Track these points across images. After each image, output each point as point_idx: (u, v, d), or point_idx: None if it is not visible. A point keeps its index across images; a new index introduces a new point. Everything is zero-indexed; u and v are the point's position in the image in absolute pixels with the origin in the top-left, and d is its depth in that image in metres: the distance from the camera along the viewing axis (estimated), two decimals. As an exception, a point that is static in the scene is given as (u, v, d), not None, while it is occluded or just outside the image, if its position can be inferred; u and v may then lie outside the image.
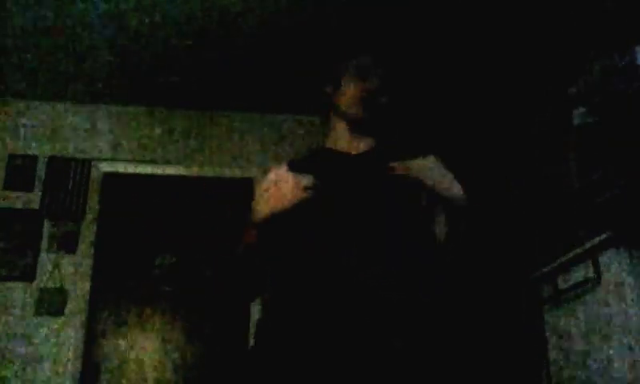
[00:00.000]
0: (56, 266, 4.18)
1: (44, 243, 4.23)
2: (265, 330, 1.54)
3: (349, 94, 1.70)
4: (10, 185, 4.34)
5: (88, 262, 4.25)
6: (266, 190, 1.50)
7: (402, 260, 1.51)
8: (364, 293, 1.43)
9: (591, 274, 2.25)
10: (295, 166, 1.58)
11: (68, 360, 4.00)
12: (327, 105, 1.79)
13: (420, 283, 1.52)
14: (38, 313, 4.06)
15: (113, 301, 4.27)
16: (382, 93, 1.69)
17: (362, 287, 1.43)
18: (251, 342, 1.56)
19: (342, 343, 1.38)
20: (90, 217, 4.34)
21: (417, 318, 1.47)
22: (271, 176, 1.53)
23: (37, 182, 4.36)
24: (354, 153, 1.72)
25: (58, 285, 4.14)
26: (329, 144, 1.77)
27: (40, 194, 4.33)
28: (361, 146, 1.73)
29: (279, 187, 1.47)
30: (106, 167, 4.50)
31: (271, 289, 1.59)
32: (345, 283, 1.44)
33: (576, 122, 3.01)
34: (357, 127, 1.72)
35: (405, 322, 1.45)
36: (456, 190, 1.55)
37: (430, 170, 1.55)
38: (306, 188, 1.45)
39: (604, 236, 2.17)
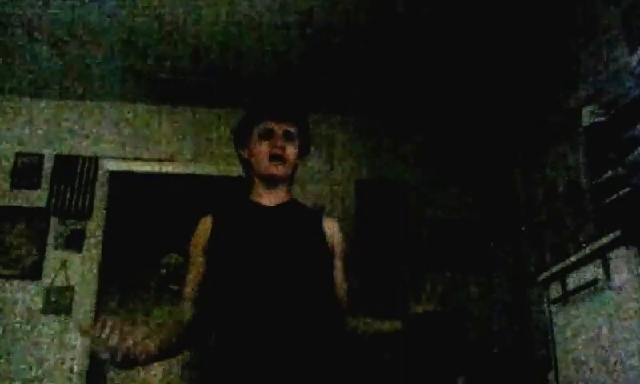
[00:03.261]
0: (63, 264, 4.18)
1: (51, 241, 4.24)
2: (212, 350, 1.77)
3: (257, 154, 1.95)
4: (16, 183, 4.35)
5: (95, 261, 4.25)
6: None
7: (309, 296, 1.77)
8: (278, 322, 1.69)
9: (601, 273, 2.23)
10: (219, 217, 1.94)
11: (74, 358, 4.00)
12: (245, 165, 2.05)
13: (323, 315, 1.80)
14: (44, 311, 4.07)
15: (119, 299, 4.27)
16: (285, 149, 1.94)
17: (277, 317, 1.69)
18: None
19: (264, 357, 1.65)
20: (96, 215, 4.34)
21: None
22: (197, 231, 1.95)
23: (43, 180, 4.37)
24: (270, 205, 1.95)
25: (64, 283, 4.15)
26: (251, 197, 2.00)
27: (47, 192, 4.33)
28: (276, 199, 1.97)
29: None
30: (113, 165, 4.50)
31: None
32: (262, 316, 1.68)
33: (585, 121, 2.99)
34: (269, 182, 1.96)
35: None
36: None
37: None
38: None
39: (614, 235, 2.14)
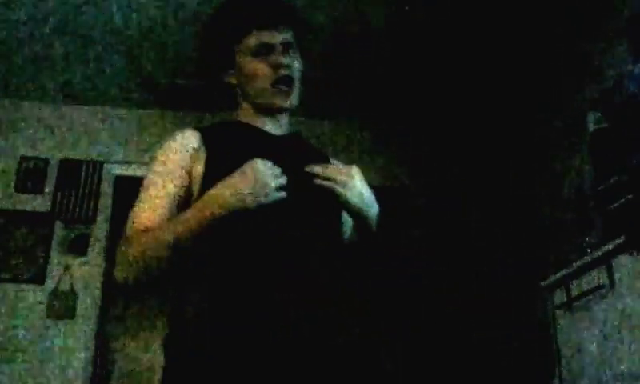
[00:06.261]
0: (67, 268, 4.18)
1: (55, 246, 4.24)
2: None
3: (255, 77, 1.53)
4: (21, 187, 4.35)
5: (99, 265, 4.25)
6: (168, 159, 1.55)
7: (324, 248, 1.47)
8: (292, 280, 1.37)
9: (605, 279, 2.22)
10: (212, 139, 1.55)
11: (79, 363, 4.00)
12: (230, 91, 1.65)
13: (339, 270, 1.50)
14: (48, 316, 4.06)
15: (124, 304, 4.27)
16: (291, 65, 1.54)
17: (291, 274, 1.37)
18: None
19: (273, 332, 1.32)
20: (101, 219, 4.34)
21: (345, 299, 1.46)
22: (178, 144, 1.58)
23: (48, 185, 4.37)
24: (273, 133, 1.58)
25: (68, 288, 4.14)
26: (247, 121, 1.60)
27: (51, 196, 4.33)
28: (280, 125, 1.61)
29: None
30: (117, 170, 4.50)
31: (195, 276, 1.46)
32: (273, 271, 1.36)
33: (590, 126, 2.99)
34: (272, 112, 1.58)
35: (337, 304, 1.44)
36: (373, 211, 1.47)
37: (352, 180, 1.44)
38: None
39: (618, 241, 2.14)
